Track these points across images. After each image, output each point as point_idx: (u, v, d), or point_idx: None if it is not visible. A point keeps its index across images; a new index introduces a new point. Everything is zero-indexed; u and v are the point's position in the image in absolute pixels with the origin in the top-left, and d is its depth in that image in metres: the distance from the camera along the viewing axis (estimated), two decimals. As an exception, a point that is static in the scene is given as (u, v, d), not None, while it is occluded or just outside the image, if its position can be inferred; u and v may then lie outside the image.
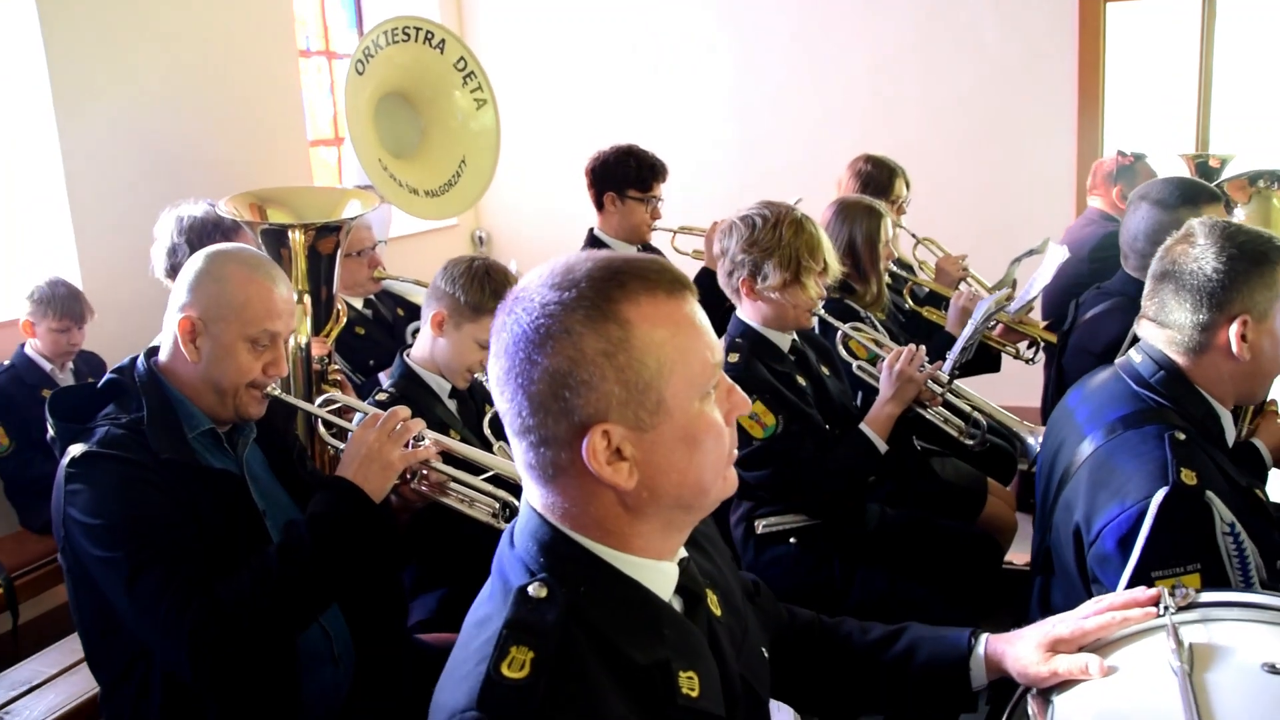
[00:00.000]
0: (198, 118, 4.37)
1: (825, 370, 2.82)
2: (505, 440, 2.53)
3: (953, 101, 5.58)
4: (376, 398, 2.50)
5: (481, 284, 2.50)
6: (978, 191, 5.55)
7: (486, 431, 2.58)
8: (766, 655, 1.40)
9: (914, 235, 3.93)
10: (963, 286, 3.63)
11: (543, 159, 6.15)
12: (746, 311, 2.68)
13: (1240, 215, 2.85)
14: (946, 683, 1.47)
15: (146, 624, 1.75)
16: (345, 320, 2.90)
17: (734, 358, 2.60)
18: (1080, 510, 1.81)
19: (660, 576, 1.16)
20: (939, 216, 5.23)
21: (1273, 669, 1.25)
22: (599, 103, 6.14)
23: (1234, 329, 1.79)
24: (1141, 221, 2.64)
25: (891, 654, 1.52)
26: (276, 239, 2.85)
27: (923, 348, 2.63)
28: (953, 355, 2.65)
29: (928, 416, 2.66)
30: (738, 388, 1.19)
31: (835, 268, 2.72)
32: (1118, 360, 1.97)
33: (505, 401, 1.11)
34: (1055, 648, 1.38)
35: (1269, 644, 1.31)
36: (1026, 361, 3.38)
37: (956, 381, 2.65)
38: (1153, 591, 1.40)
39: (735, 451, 1.19)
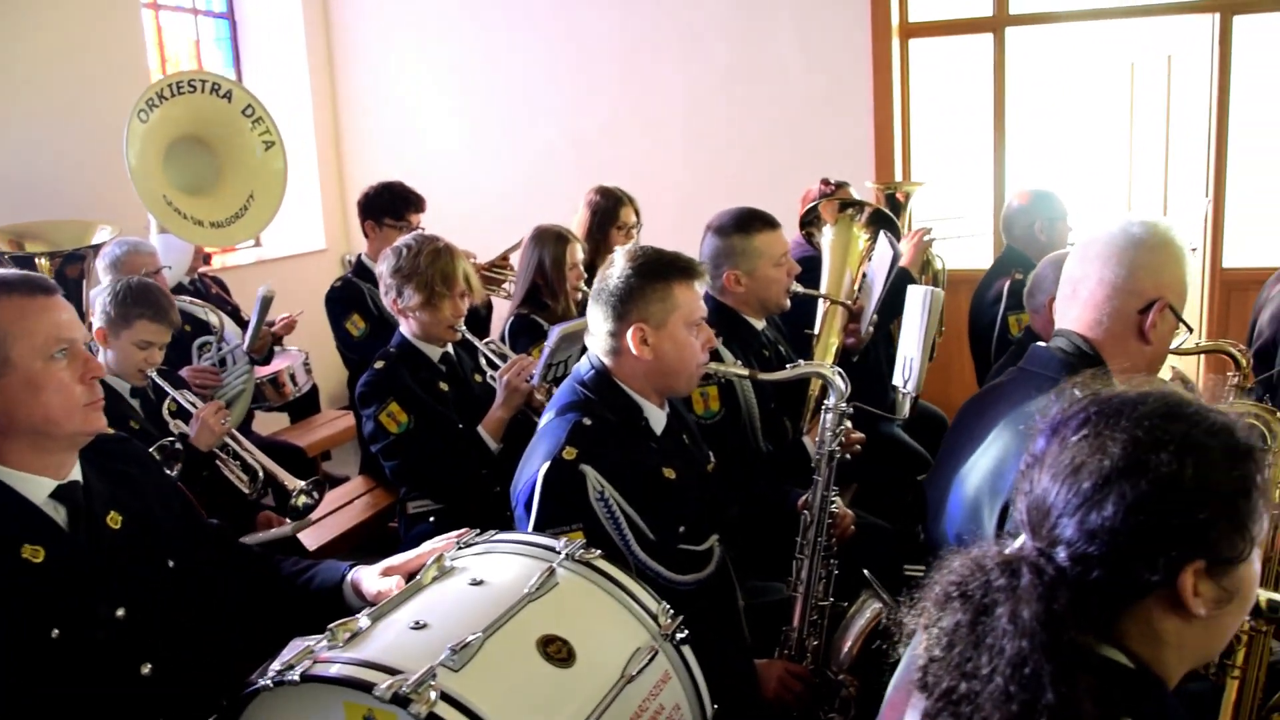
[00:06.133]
0: (43, 142, 4.70)
1: (479, 378, 3.28)
2: (184, 420, 3.05)
3: (762, 132, 6.07)
4: None
5: (123, 298, 3.01)
6: (786, 218, 5.98)
7: (165, 415, 3.11)
8: (173, 566, 1.86)
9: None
10: None
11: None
12: (404, 326, 3.15)
13: (829, 235, 3.28)
14: (330, 605, 1.94)
15: None
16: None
17: (379, 365, 3.07)
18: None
19: (31, 485, 1.68)
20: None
21: (474, 581, 1.72)
22: (456, 132, 6.69)
23: (630, 335, 2.24)
24: (706, 248, 3.05)
25: (301, 581, 2.00)
26: (28, 265, 3.48)
27: (532, 359, 3.09)
28: (538, 370, 3.07)
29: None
30: (89, 355, 1.73)
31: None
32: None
33: None
34: (388, 573, 1.86)
35: (496, 567, 1.79)
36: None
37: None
38: (461, 531, 1.89)
39: (98, 400, 1.73)
